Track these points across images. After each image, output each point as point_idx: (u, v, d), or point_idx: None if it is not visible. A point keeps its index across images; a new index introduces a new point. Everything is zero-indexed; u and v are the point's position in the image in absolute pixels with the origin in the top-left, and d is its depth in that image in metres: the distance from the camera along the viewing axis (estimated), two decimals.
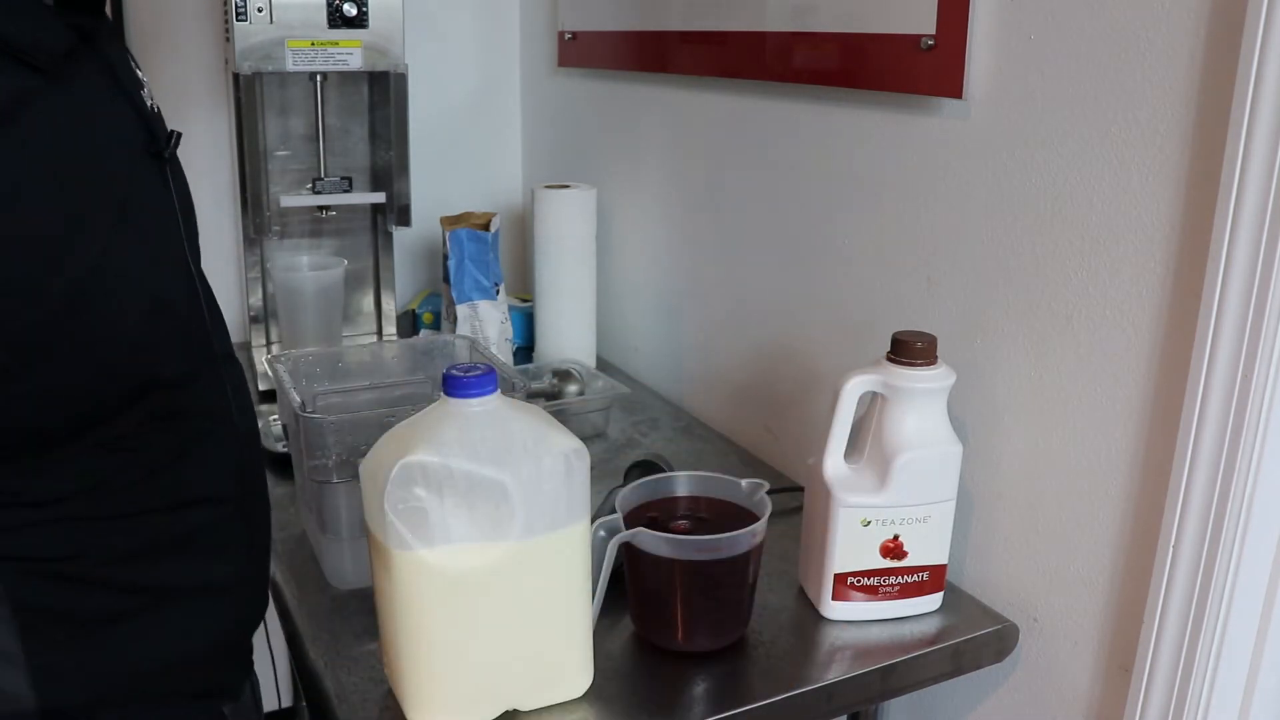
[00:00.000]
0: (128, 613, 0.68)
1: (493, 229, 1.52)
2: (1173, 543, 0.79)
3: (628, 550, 0.87)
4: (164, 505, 0.69)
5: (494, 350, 1.45)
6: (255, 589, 0.79)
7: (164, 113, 0.75)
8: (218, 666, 0.75)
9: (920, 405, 0.90)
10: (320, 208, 1.56)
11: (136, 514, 0.67)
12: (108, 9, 0.83)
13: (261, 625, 0.81)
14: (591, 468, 0.77)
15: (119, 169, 0.64)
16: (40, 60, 0.57)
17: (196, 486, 0.71)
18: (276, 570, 1.02)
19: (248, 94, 1.41)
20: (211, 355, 0.73)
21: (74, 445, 0.63)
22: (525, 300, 1.71)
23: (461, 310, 1.48)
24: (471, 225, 1.51)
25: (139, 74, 0.71)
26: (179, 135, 0.71)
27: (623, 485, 0.97)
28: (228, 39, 1.43)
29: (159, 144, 0.68)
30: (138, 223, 0.64)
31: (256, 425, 0.80)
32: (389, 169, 1.53)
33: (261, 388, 1.47)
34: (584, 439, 0.77)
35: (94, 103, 0.63)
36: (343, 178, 1.55)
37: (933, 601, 0.94)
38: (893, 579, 0.92)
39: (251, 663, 0.82)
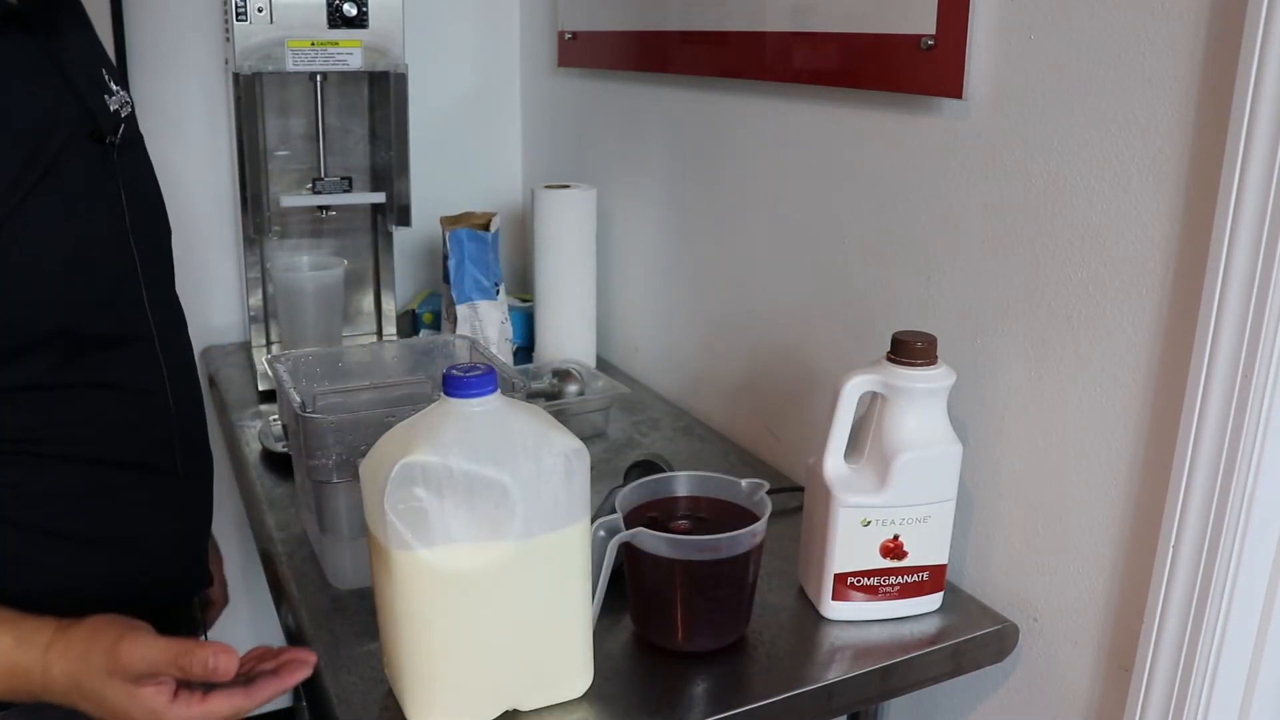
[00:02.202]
0: (24, 552, 0.74)
1: (493, 229, 1.52)
2: (1173, 543, 0.79)
3: (628, 550, 0.87)
4: (84, 458, 0.77)
5: (494, 350, 1.45)
6: (179, 554, 0.90)
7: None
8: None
9: (920, 405, 0.90)
10: (320, 208, 1.56)
11: (57, 462, 0.75)
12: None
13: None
14: (591, 468, 0.77)
15: (41, 133, 0.70)
16: None
17: (120, 451, 0.80)
18: (277, 570, 1.02)
19: (248, 94, 1.41)
20: (147, 336, 0.82)
21: None
22: (525, 300, 1.71)
23: (461, 310, 1.48)
24: (471, 225, 1.51)
25: (106, 78, 0.80)
26: (124, 127, 0.80)
27: (623, 485, 0.97)
28: (228, 39, 1.43)
29: (100, 130, 0.76)
30: (66, 191, 0.71)
31: (199, 415, 0.93)
32: (389, 169, 1.53)
33: (261, 388, 1.47)
34: (584, 439, 0.77)
35: (11, 69, 0.71)
36: (343, 178, 1.55)
37: (933, 601, 0.94)
38: (893, 579, 0.92)
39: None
